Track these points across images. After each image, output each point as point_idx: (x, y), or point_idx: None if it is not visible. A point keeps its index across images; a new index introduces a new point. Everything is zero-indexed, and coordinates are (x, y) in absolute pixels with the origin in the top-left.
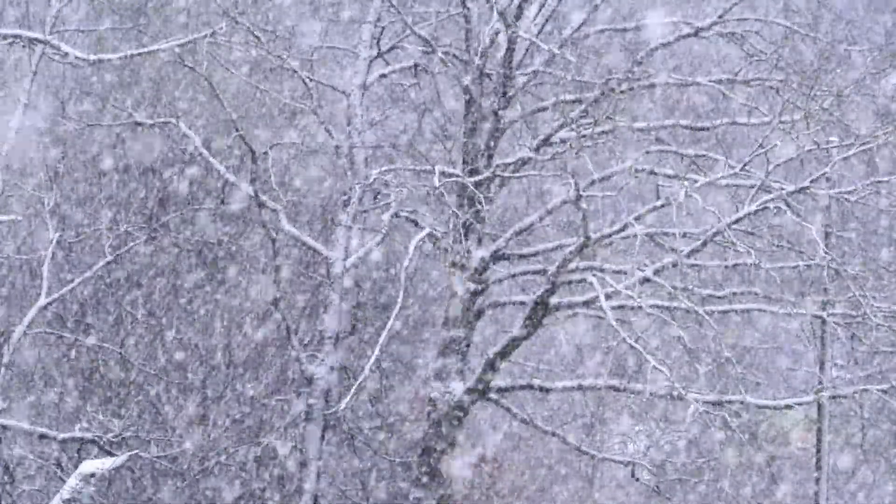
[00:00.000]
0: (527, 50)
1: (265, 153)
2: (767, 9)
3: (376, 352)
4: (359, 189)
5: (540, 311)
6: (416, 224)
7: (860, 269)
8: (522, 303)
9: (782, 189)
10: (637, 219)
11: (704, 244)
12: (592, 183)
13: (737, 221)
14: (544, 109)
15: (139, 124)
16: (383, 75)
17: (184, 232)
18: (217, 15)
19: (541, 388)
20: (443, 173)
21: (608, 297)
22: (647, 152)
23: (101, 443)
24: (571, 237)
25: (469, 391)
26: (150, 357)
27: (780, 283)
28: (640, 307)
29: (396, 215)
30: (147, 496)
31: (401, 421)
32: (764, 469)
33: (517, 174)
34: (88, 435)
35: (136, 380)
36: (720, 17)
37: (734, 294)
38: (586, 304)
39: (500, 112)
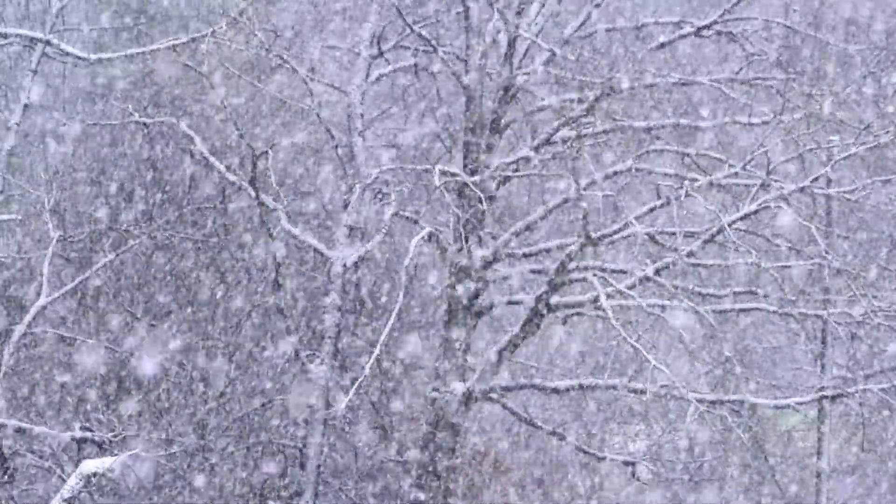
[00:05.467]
0: (527, 49)
1: (265, 153)
2: (767, 9)
3: (376, 352)
4: (359, 189)
5: (540, 311)
6: (417, 224)
7: (860, 269)
8: (522, 303)
9: (782, 189)
10: (637, 218)
11: (704, 244)
12: (592, 182)
13: (737, 221)
14: (544, 109)
15: (141, 124)
16: (383, 75)
17: (184, 231)
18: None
19: (541, 388)
20: (443, 172)
21: (608, 296)
22: (647, 152)
23: (101, 443)
24: (571, 237)
25: (469, 391)
26: (150, 356)
27: (780, 282)
28: (640, 307)
29: (396, 215)
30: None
31: (401, 421)
32: (764, 469)
33: (517, 174)
34: (88, 435)
35: (136, 379)
36: (720, 16)
37: (734, 294)
38: (586, 304)
39: (500, 112)
